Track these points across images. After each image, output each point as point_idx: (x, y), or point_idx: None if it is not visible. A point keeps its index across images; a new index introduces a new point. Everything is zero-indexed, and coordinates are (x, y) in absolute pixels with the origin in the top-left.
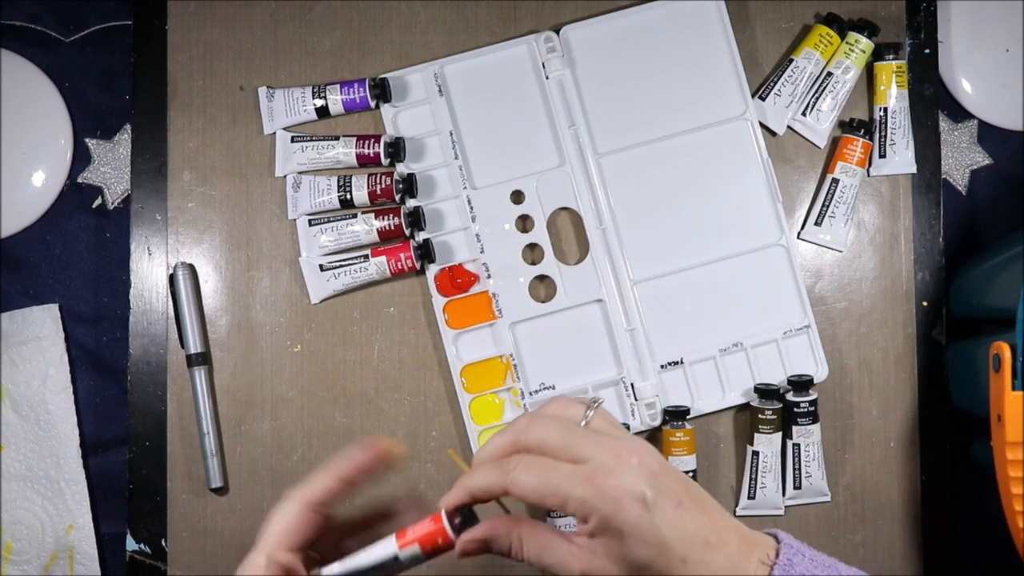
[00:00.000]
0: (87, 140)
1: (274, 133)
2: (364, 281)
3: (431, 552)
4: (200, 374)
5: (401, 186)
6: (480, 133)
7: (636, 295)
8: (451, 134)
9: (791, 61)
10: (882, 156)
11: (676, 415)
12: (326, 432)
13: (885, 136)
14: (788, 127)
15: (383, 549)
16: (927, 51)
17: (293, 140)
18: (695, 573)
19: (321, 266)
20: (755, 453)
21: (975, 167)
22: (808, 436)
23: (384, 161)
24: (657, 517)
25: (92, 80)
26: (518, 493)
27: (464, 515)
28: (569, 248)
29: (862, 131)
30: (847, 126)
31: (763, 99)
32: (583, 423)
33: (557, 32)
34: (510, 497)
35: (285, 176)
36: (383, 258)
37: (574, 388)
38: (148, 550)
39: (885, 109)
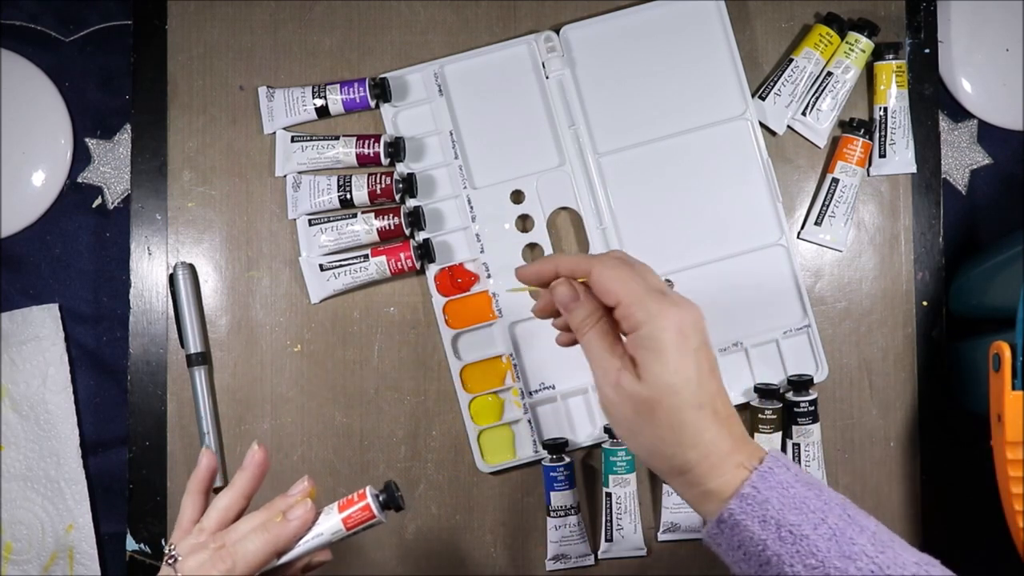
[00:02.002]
0: (87, 140)
1: (274, 133)
2: (364, 281)
3: (355, 529)
4: (200, 374)
5: (401, 186)
6: (480, 133)
7: None
8: (451, 134)
9: (791, 61)
10: (882, 156)
11: None
12: (326, 432)
13: (885, 136)
14: (788, 127)
15: (319, 529)
16: (927, 51)
17: (293, 140)
18: (702, 426)
19: (321, 266)
20: None
21: (975, 167)
22: (808, 436)
23: (384, 161)
24: (696, 360)
25: (92, 80)
26: (598, 278)
27: (388, 491)
28: (569, 248)
29: (862, 131)
30: (847, 126)
31: (763, 99)
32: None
33: (557, 32)
34: (584, 281)
35: (285, 176)
36: (383, 258)
37: (574, 388)
38: (148, 550)
39: (885, 109)
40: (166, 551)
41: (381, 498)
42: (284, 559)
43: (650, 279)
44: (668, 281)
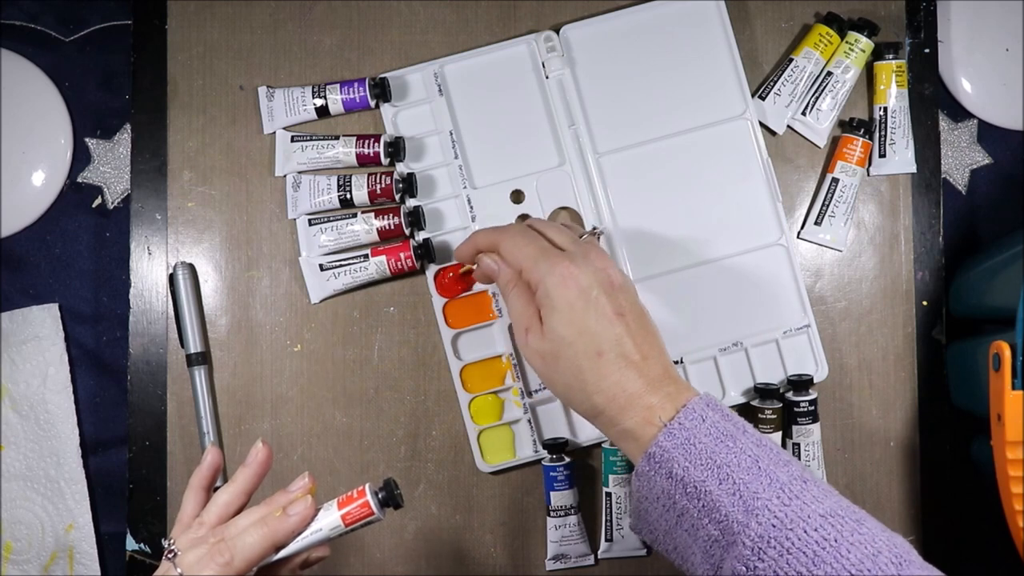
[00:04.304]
0: (87, 140)
1: (274, 133)
2: (364, 281)
3: (354, 525)
4: (200, 374)
5: (401, 186)
6: (480, 133)
7: None
8: (451, 134)
9: (791, 61)
10: (882, 155)
11: None
12: (326, 432)
13: (885, 135)
14: (788, 127)
15: (318, 525)
16: (927, 51)
17: (293, 140)
18: (603, 372)
19: (321, 266)
20: None
21: (975, 166)
22: (808, 436)
23: (384, 161)
24: (592, 310)
25: (92, 80)
26: (503, 250)
27: (387, 488)
28: None
29: (862, 130)
30: (847, 125)
31: (763, 99)
32: (580, 236)
33: (557, 32)
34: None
35: (285, 176)
36: (383, 258)
37: None
38: (148, 550)
39: (885, 108)
40: (166, 546)
41: (380, 495)
42: (282, 554)
43: (558, 240)
44: (595, 231)
